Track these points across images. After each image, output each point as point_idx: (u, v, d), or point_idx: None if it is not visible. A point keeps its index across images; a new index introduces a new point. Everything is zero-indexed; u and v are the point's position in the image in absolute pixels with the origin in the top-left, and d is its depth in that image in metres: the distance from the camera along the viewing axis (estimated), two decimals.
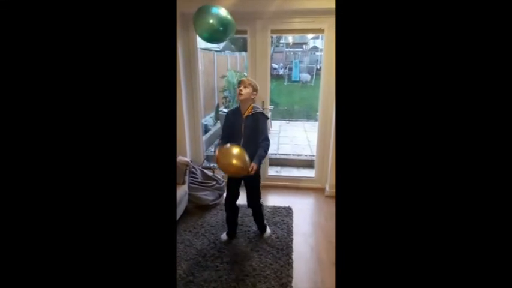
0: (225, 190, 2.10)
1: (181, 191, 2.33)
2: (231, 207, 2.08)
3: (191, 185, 2.53)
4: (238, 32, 3.01)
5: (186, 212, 2.41)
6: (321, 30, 2.61)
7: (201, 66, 2.94)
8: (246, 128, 1.85)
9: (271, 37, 2.75)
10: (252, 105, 1.87)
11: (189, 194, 2.47)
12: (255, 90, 1.86)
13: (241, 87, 1.82)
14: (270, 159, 3.27)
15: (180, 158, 2.41)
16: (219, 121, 4.84)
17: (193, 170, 2.64)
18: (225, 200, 2.06)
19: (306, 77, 11.60)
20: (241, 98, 1.83)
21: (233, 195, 2.04)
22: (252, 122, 1.84)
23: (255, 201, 2.06)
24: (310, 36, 12.63)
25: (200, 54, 2.90)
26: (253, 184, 2.02)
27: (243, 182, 2.03)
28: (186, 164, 2.40)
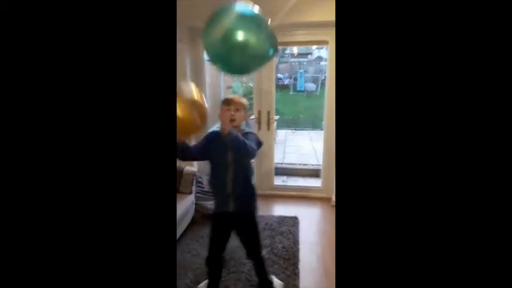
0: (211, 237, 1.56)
1: (188, 201, 2.35)
2: (215, 263, 1.58)
3: (198, 194, 2.55)
4: None
5: (193, 221, 2.43)
6: (325, 42, 2.66)
7: (208, 79, 3.01)
8: (234, 154, 1.36)
9: None
10: (241, 128, 1.43)
11: (196, 204, 2.49)
12: (246, 110, 1.43)
13: (232, 111, 1.34)
14: (276, 168, 3.28)
15: (187, 168, 2.45)
16: None
17: (199, 179, 2.67)
18: (207, 257, 1.56)
19: (311, 86, 11.68)
20: (234, 124, 1.33)
21: (218, 250, 1.55)
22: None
23: (255, 254, 1.56)
24: (315, 46, 12.77)
25: (207, 66, 2.97)
26: (250, 232, 1.52)
27: (235, 232, 1.55)
28: (193, 174, 2.44)
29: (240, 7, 0.97)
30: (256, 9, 0.98)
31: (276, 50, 0.98)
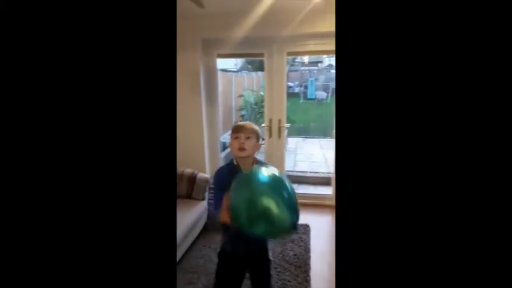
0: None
1: (201, 207, 2.40)
2: None
3: (210, 201, 2.60)
4: (255, 54, 3.17)
5: (205, 228, 2.47)
6: (333, 52, 2.71)
7: (220, 87, 3.09)
8: None
9: (287, 58, 2.87)
10: (256, 159, 1.26)
11: (208, 210, 2.54)
12: (259, 138, 1.24)
13: (242, 139, 1.18)
14: (287, 176, 3.30)
15: (200, 175, 2.50)
16: None
17: (212, 186, 2.72)
18: None
19: (321, 94, 11.69)
20: (244, 154, 1.18)
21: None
22: None
23: None
24: (322, 55, 12.83)
25: (220, 76, 3.06)
26: (260, 274, 1.33)
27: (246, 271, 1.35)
28: (206, 181, 2.49)
29: (263, 175, 0.97)
30: (277, 172, 1.00)
31: (296, 222, 0.95)
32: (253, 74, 8.22)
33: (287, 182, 0.98)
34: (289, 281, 1.88)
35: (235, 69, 8.75)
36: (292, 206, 0.93)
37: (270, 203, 0.89)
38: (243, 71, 8.82)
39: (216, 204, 1.16)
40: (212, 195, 2.53)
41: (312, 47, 2.76)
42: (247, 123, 1.24)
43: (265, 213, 0.89)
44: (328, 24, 2.44)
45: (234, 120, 5.51)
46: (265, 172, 0.98)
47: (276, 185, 0.96)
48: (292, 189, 0.97)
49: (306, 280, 1.89)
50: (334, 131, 2.96)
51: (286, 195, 0.93)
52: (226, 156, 4.14)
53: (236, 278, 1.31)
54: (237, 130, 1.20)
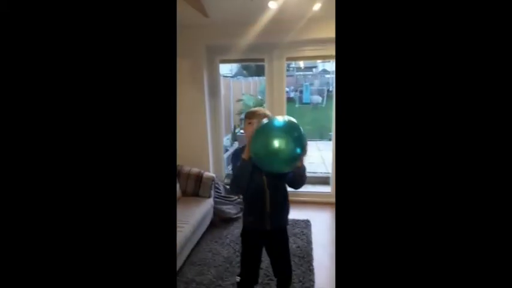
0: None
1: (208, 204, 2.52)
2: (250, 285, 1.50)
3: (216, 199, 2.73)
4: (256, 60, 3.33)
5: (212, 224, 2.59)
6: (331, 57, 2.88)
7: (223, 91, 3.24)
8: (269, 177, 1.30)
9: None
10: None
11: (214, 208, 2.66)
12: None
13: (256, 124, 1.24)
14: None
15: (206, 174, 2.63)
16: (236, 142, 5.10)
17: (216, 185, 2.85)
18: (240, 281, 1.48)
19: (317, 98, 11.92)
20: None
21: (252, 276, 1.49)
22: None
23: (286, 271, 1.53)
24: (319, 60, 13.09)
25: (222, 81, 3.21)
26: (281, 247, 1.48)
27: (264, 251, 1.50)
28: (212, 179, 2.62)
29: (277, 121, 1.19)
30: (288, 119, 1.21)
31: (303, 150, 1.19)
32: (250, 79, 8.40)
33: (299, 126, 1.19)
34: (293, 270, 2.00)
35: (230, 75, 8.91)
36: (301, 142, 1.15)
37: (281, 143, 1.10)
38: (239, 76, 8.99)
39: (234, 171, 1.36)
40: (216, 192, 2.63)
41: (308, 53, 2.94)
42: (260, 109, 1.33)
43: (277, 152, 1.10)
44: (324, 31, 2.61)
45: (232, 124, 5.65)
46: (281, 119, 1.19)
47: (288, 127, 1.16)
48: (302, 132, 1.18)
49: (310, 269, 2.03)
50: (332, 133, 3.12)
51: (296, 134, 1.14)
52: (228, 157, 4.28)
53: (258, 254, 1.48)
54: (251, 116, 1.30)
